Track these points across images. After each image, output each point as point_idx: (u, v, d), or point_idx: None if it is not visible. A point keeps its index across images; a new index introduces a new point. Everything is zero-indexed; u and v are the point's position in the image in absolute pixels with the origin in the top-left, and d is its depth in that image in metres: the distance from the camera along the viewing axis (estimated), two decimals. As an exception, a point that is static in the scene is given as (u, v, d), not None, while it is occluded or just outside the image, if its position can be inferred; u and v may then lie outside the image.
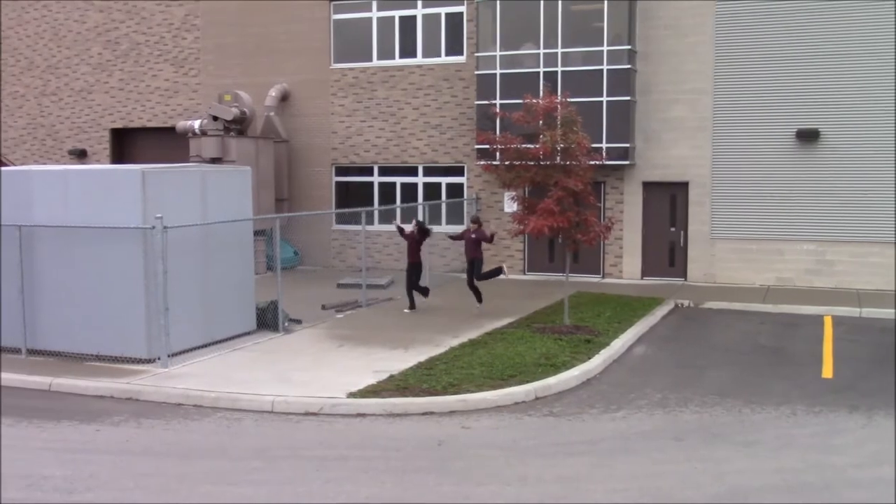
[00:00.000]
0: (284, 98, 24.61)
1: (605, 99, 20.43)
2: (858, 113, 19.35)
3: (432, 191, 23.45)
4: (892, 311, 16.72)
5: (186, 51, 25.98)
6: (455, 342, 13.87)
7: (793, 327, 16.04)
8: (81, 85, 27.63)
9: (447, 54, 22.98)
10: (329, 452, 9.10)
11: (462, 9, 22.51)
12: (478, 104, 21.60)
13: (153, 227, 12.18)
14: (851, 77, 19.36)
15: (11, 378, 12.05)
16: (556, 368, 12.16)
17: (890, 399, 10.90)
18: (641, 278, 21.36)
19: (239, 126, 23.02)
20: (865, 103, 19.29)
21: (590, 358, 12.88)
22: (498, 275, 17.11)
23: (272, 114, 24.23)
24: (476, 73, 21.79)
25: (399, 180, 23.84)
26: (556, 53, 20.81)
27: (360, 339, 14.23)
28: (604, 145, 19.82)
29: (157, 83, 26.47)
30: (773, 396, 11.16)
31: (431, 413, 10.45)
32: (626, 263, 21.55)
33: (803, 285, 19.95)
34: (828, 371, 12.66)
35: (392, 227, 20.80)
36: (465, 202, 22.85)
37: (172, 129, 24.94)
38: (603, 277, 21.60)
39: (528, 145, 15.04)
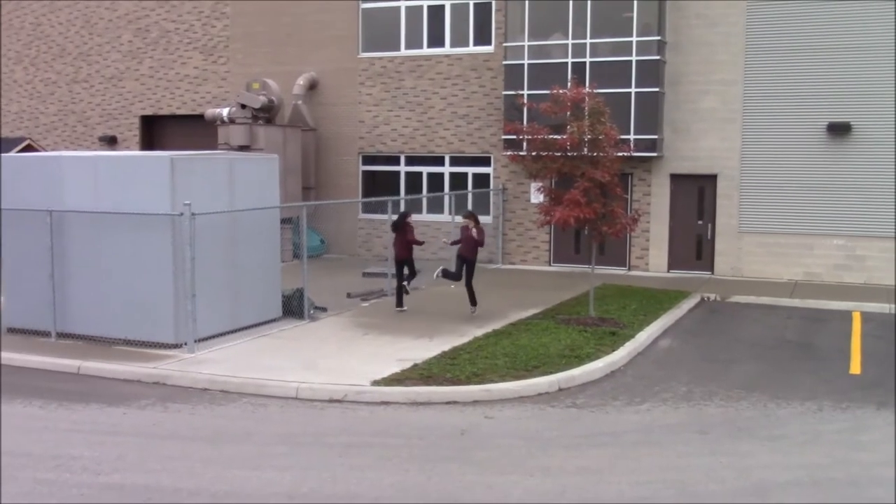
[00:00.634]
0: (312, 87, 24.69)
1: (633, 90, 20.30)
2: (891, 107, 19.07)
3: (459, 181, 23.45)
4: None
5: (215, 39, 26.12)
6: (479, 332, 13.88)
7: (821, 323, 15.89)
8: (112, 72, 27.87)
9: (475, 44, 22.92)
10: (353, 439, 9.16)
11: (491, -2, 22.46)
12: (505, 94, 21.55)
13: (181, 214, 12.28)
14: (884, 70, 19.07)
15: (41, 361, 12.23)
16: (581, 360, 12.14)
17: (919, 396, 10.79)
18: (668, 271, 21.24)
19: (267, 114, 23.12)
20: (899, 97, 19.03)
21: (614, 350, 12.84)
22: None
23: (300, 102, 24.31)
24: (504, 63, 21.72)
25: (426, 170, 23.84)
26: (585, 44, 20.69)
27: (384, 328, 14.28)
28: (632, 136, 19.71)
29: (187, 71, 26.64)
30: (799, 392, 11.07)
31: (455, 402, 10.48)
32: (652, 256, 21.45)
33: (832, 281, 19.74)
34: (856, 367, 12.54)
35: (419, 218, 20.73)
36: (492, 192, 22.83)
37: (201, 116, 25.11)
38: (629, 270, 21.51)
39: (556, 136, 14.98)
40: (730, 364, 12.72)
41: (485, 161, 23.12)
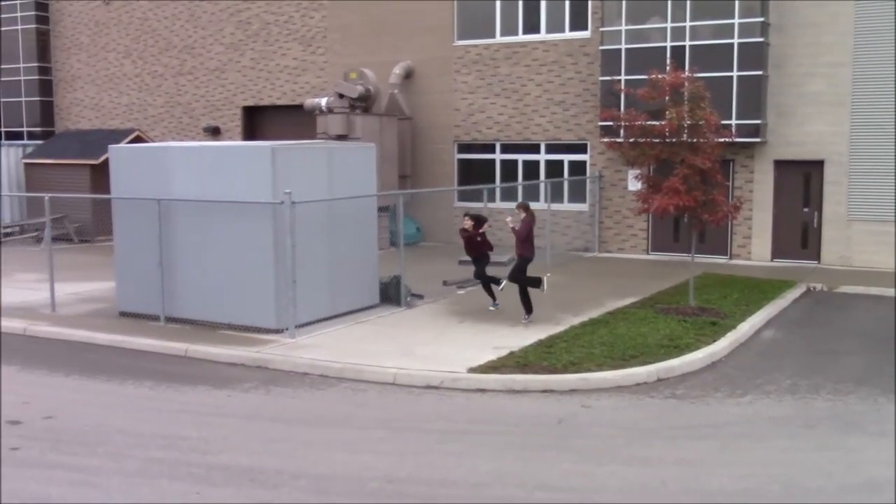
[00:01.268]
0: (408, 75, 24.86)
1: (735, 74, 19.73)
2: None
3: (555, 168, 23.27)
4: None
5: (314, 30, 26.55)
6: (576, 321, 13.77)
7: (935, 314, 15.18)
8: (215, 64, 28.68)
9: (571, 30, 22.66)
10: (450, 426, 9.23)
11: (588, -17, 22.15)
12: (602, 80, 21.25)
13: (282, 202, 12.56)
14: None
15: (152, 344, 12.72)
16: (680, 350, 11.92)
17: None
18: (771, 260, 20.63)
19: (364, 103, 23.41)
20: None
21: (715, 340, 12.56)
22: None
23: (396, 91, 24.52)
24: (600, 48, 21.42)
25: (521, 157, 23.75)
26: (685, 27, 20.21)
27: (480, 316, 14.31)
28: (733, 122, 19.18)
29: (286, 62, 27.18)
30: (912, 386, 10.63)
31: (551, 391, 10.44)
32: (755, 244, 20.86)
33: (948, 270, 18.83)
34: (974, 361, 11.94)
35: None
36: (588, 180, 22.58)
37: (300, 106, 25.60)
38: (730, 258, 20.98)
39: (654, 122, 14.71)
40: (837, 356, 12.28)
41: (581, 148, 22.87)
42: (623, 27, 20.94)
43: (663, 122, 14.46)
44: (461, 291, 16.60)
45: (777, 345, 13.10)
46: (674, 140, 14.46)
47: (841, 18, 19.44)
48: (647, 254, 21.93)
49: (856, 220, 19.78)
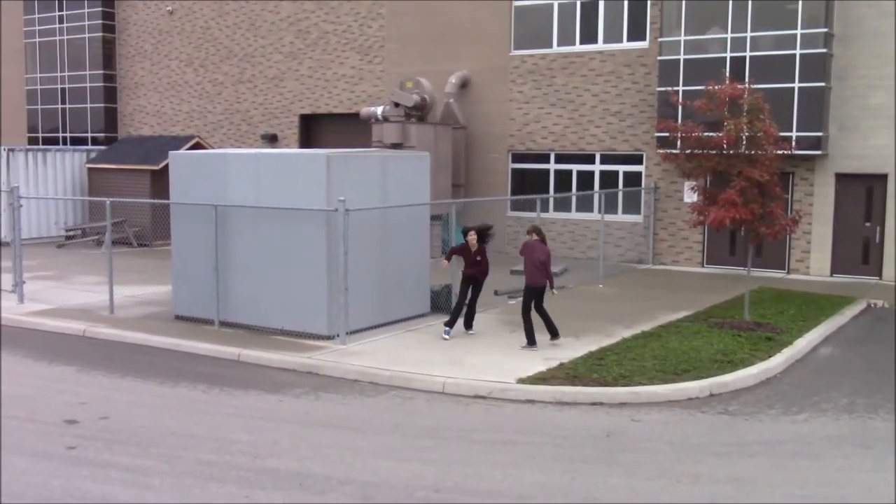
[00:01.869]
0: (464, 85, 24.92)
1: (796, 85, 19.38)
2: None
3: (609, 179, 23.10)
4: None
5: (371, 39, 26.79)
6: (628, 333, 13.64)
7: None
8: (274, 73, 29.09)
9: (629, 40, 22.50)
10: (497, 436, 9.20)
11: (646, -7, 21.99)
12: (659, 91, 21.05)
13: (336, 210, 12.66)
14: None
15: (206, 347, 12.92)
16: (734, 365, 11.72)
17: None
18: (830, 275, 20.19)
19: (419, 112, 23.53)
20: None
21: (770, 356, 12.32)
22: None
23: (451, 100, 24.59)
24: (658, 58, 21.23)
25: (575, 168, 23.62)
26: (745, 38, 19.92)
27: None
28: (793, 134, 18.84)
29: (344, 71, 27.46)
30: (976, 408, 10.29)
31: (601, 404, 10.34)
32: (813, 259, 20.43)
33: None
34: None
35: (568, 217, 20.53)
36: (643, 191, 22.37)
37: (356, 115, 25.83)
38: (787, 273, 20.58)
39: (711, 133, 14.52)
40: (898, 375, 11.96)
41: (636, 159, 22.68)
42: (682, 38, 20.72)
43: (721, 134, 14.28)
44: (512, 301, 16.54)
45: (835, 362, 12.81)
46: (731, 152, 14.26)
47: (907, 29, 19.00)
48: (702, 267, 21.63)
49: (920, 236, 19.26)
